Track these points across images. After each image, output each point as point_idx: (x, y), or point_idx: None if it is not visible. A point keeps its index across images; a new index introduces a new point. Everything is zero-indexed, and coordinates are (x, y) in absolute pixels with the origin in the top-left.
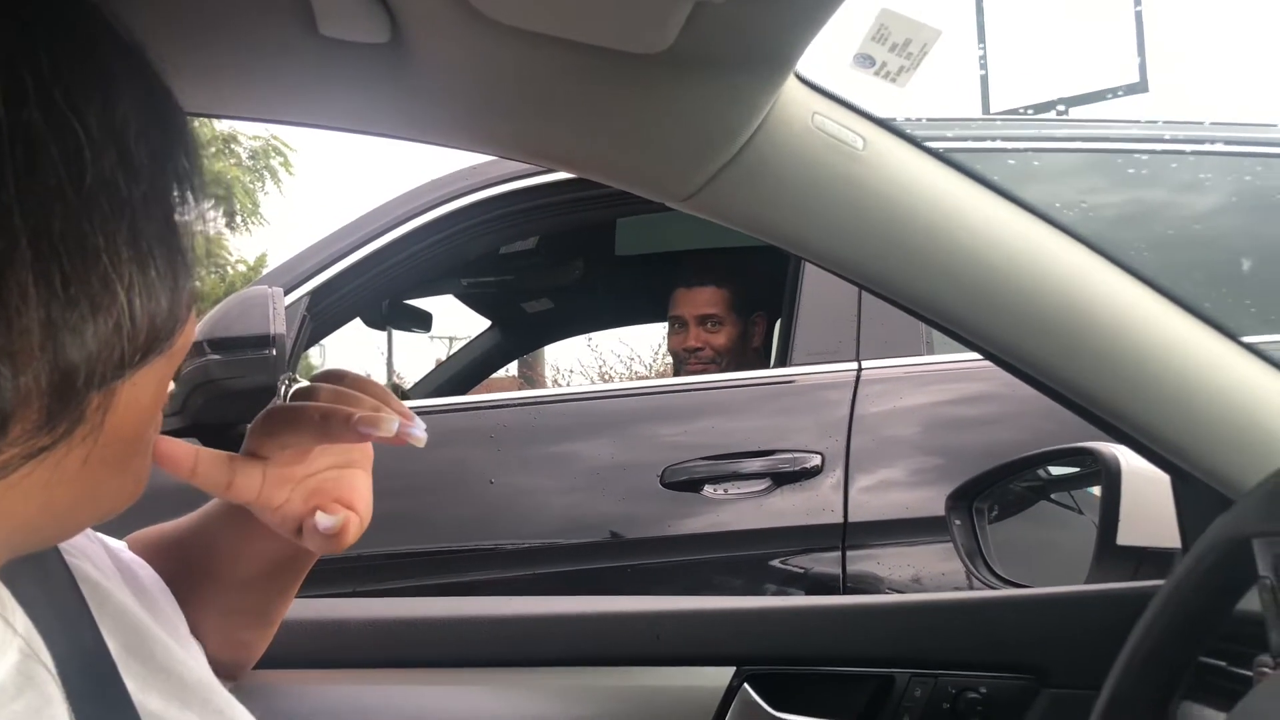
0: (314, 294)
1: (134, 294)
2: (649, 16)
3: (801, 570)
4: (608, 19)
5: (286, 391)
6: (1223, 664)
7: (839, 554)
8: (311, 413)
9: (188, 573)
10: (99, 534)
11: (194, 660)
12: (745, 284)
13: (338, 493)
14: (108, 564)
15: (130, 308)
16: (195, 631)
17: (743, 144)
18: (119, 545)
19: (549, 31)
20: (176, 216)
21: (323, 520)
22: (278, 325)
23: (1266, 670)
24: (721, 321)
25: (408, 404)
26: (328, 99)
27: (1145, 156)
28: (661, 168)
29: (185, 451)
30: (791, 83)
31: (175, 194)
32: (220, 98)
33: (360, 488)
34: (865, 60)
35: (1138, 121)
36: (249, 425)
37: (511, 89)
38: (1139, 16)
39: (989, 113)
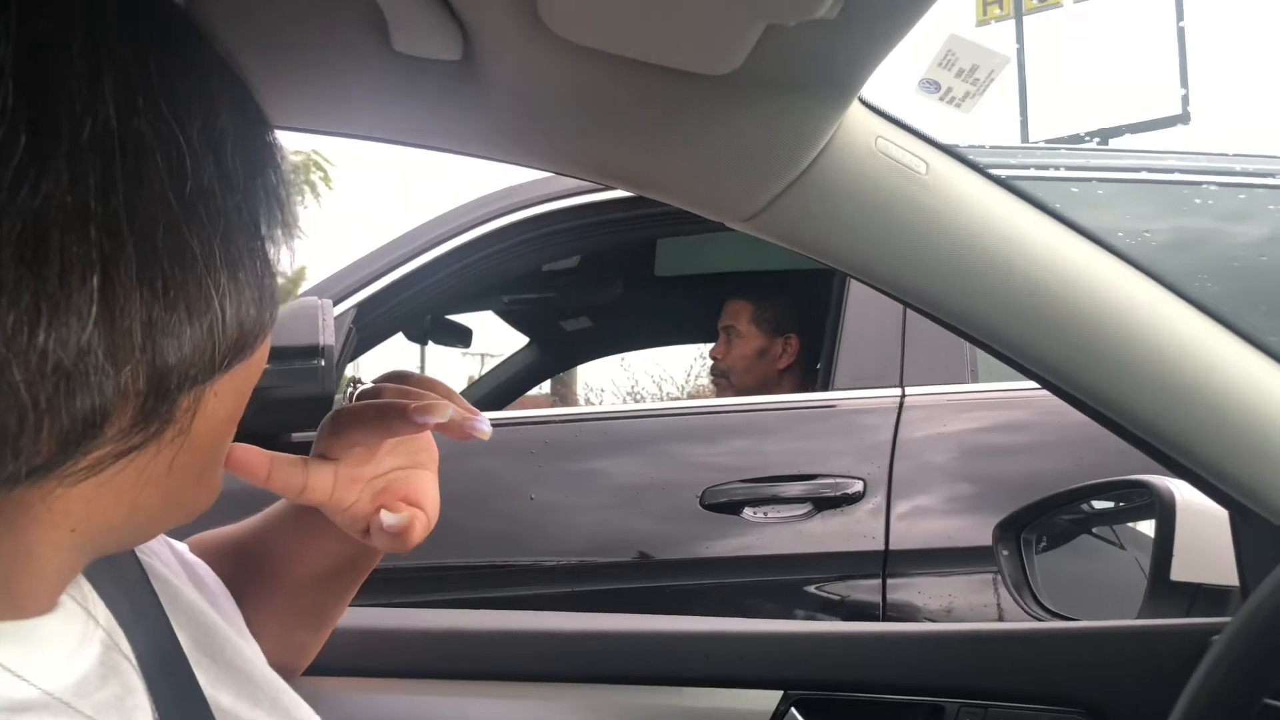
0: (360, 307)
1: (226, 300)
2: (720, 39)
3: (840, 597)
4: (679, 41)
5: (352, 393)
6: None
7: (879, 581)
8: (369, 409)
9: (248, 574)
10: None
11: (260, 659)
12: (780, 302)
13: (404, 492)
14: (174, 563)
15: (223, 314)
16: (251, 632)
17: (806, 166)
18: (182, 546)
19: (620, 52)
20: (264, 229)
21: (387, 518)
22: (327, 336)
23: None
24: (741, 334)
25: None
26: (400, 115)
27: (1215, 188)
28: (724, 188)
29: (260, 458)
30: (855, 106)
31: (264, 205)
32: (295, 111)
33: (427, 488)
34: (931, 85)
35: (1208, 154)
36: (318, 427)
37: (580, 108)
38: (1182, 48)
39: (1028, 142)
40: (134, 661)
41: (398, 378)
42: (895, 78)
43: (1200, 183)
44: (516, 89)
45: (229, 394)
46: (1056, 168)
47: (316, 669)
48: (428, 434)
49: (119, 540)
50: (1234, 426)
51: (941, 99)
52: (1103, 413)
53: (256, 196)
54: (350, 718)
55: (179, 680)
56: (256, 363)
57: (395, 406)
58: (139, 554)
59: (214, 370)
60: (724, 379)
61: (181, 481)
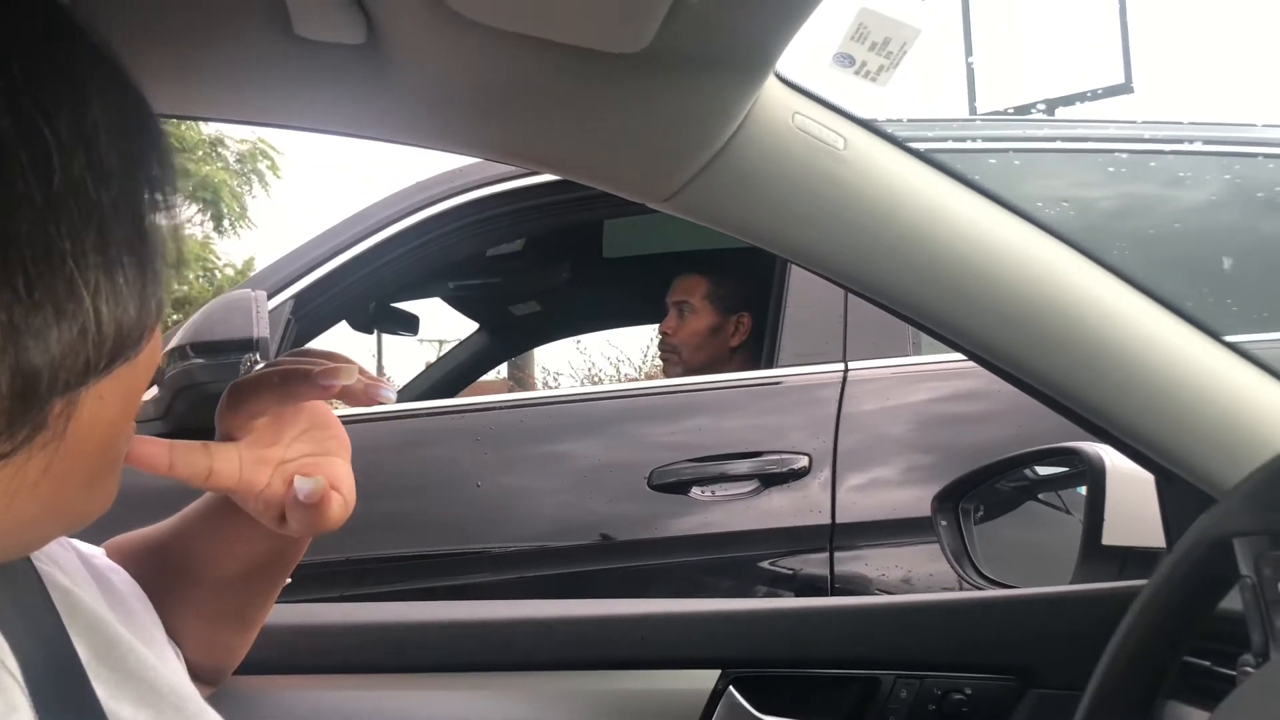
0: (299, 297)
1: (100, 300)
2: (626, 15)
3: (790, 571)
4: (584, 18)
5: (248, 370)
6: (1206, 663)
7: (827, 555)
8: (271, 375)
9: (167, 577)
10: (73, 540)
11: (168, 667)
12: (735, 280)
13: (317, 475)
14: (80, 570)
15: (97, 314)
16: (175, 637)
17: (723, 144)
18: (94, 551)
19: (525, 31)
20: (147, 224)
21: (302, 484)
22: (261, 329)
23: (1249, 669)
24: (695, 310)
25: (395, 408)
26: (304, 100)
27: (1125, 156)
28: (642, 168)
29: (159, 448)
30: (772, 82)
31: (147, 201)
32: (195, 99)
33: (341, 473)
34: (845, 59)
35: (1117, 121)
36: (216, 408)
37: (488, 89)
38: (1123, 17)
39: (975, 113)
40: (18, 677)
41: (298, 353)
42: (811, 53)
43: (1114, 150)
44: (423, 72)
45: (115, 396)
46: (974, 139)
47: (246, 668)
48: (338, 422)
49: None
50: (1153, 391)
51: (857, 73)
52: (1027, 381)
53: (138, 190)
54: (281, 715)
55: (72, 694)
56: (145, 363)
57: (298, 371)
58: (36, 563)
59: (89, 373)
60: (674, 354)
61: (64, 488)
